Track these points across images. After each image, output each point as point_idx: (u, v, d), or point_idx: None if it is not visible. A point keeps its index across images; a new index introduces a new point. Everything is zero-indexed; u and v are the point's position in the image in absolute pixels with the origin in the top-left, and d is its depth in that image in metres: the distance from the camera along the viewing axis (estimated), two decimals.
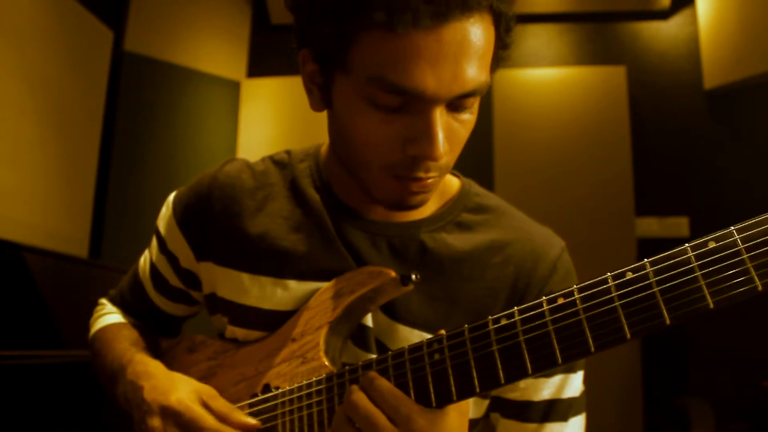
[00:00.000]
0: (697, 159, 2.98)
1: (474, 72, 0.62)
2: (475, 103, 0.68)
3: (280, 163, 0.87)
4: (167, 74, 3.19)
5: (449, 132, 0.66)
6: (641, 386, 2.76)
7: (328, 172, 0.83)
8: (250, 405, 0.77)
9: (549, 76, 3.13)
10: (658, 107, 3.08)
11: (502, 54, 0.70)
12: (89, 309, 1.01)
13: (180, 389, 0.72)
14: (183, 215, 0.86)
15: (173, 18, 3.25)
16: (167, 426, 0.70)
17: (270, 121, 3.40)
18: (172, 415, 0.70)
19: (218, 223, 0.83)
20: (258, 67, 3.49)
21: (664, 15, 3.19)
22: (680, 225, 2.93)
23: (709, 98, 2.99)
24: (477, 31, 0.61)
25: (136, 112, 3.09)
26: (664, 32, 3.18)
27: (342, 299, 0.73)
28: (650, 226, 2.95)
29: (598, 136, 3.00)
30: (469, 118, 0.68)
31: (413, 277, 0.70)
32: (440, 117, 0.64)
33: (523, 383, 0.76)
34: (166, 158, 3.16)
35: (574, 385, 0.78)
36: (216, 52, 3.39)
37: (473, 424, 0.80)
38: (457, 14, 0.59)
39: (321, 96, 0.72)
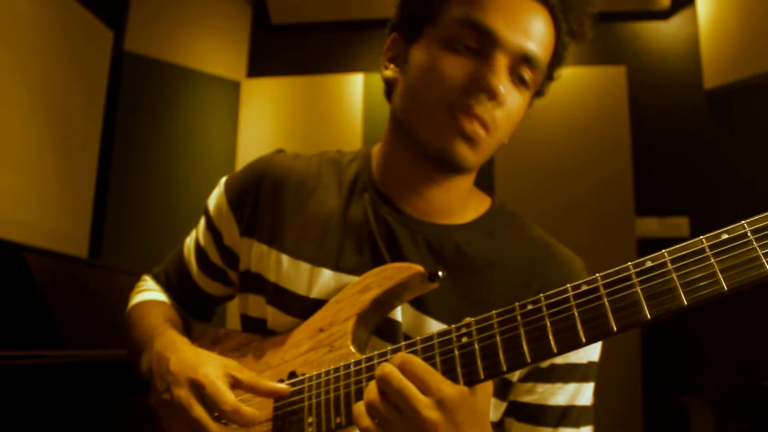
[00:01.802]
0: (697, 159, 2.98)
1: (536, 43, 0.76)
2: (530, 85, 0.78)
3: (331, 159, 0.93)
4: (167, 74, 3.19)
5: (505, 89, 0.75)
6: (641, 386, 2.76)
7: (377, 169, 0.88)
8: None
9: None
10: (658, 107, 3.07)
11: (555, 66, 0.82)
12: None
13: (207, 364, 0.75)
14: (234, 193, 0.92)
15: (173, 18, 3.25)
16: (191, 397, 0.73)
17: (270, 121, 3.39)
18: (197, 387, 0.73)
19: (267, 203, 0.89)
20: (258, 67, 3.49)
21: (664, 15, 3.18)
22: (680, 225, 2.93)
23: (709, 98, 2.99)
24: (541, 20, 0.77)
25: (136, 112, 3.09)
26: (664, 32, 3.17)
27: (370, 293, 0.77)
28: (650, 226, 2.95)
29: (598, 136, 3.00)
30: (521, 97, 0.78)
31: (440, 274, 0.73)
32: (502, 63, 0.74)
33: (540, 387, 0.80)
34: (166, 158, 3.16)
35: (586, 394, 0.82)
36: (216, 52, 3.39)
37: None
38: None
39: (396, 67, 0.85)
